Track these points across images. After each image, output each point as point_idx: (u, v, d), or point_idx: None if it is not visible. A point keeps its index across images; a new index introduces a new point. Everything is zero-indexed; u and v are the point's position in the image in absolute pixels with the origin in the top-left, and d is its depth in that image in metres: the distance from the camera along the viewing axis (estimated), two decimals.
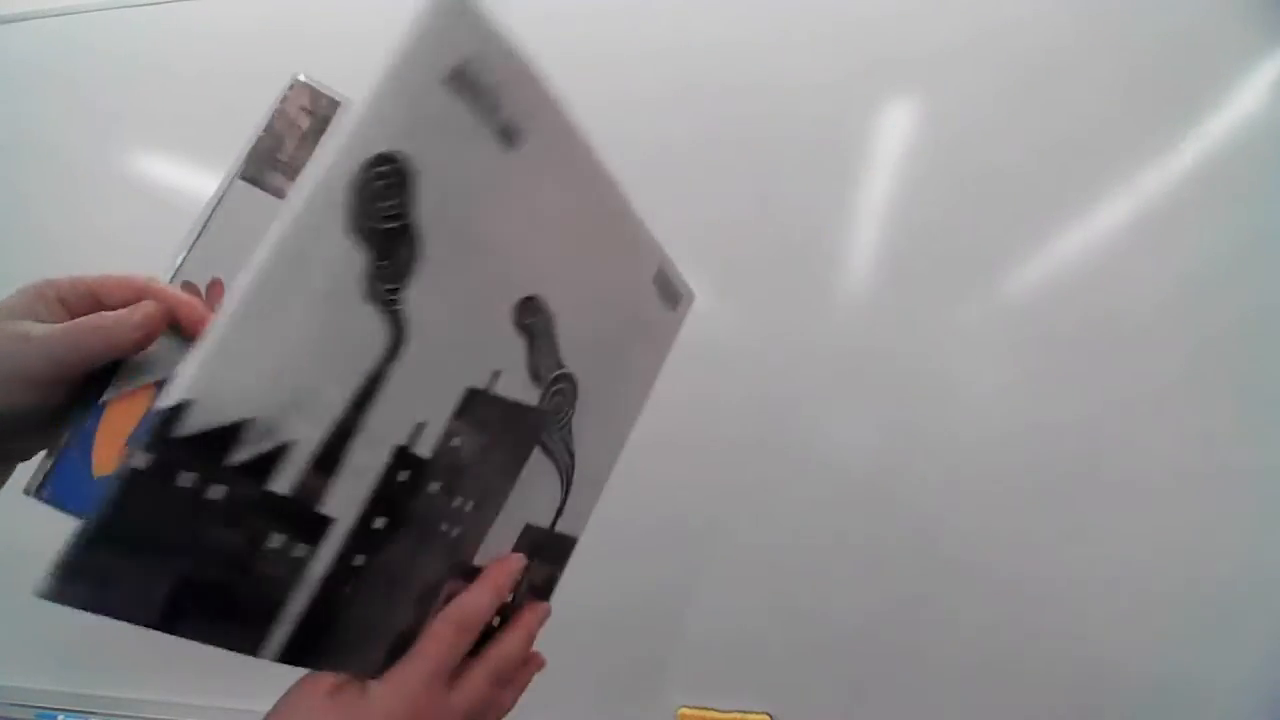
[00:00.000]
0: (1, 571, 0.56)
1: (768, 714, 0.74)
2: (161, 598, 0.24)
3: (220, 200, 0.36)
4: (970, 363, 0.76)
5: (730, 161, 0.83)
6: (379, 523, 0.30)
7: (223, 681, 0.86)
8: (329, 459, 0.27)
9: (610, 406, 0.43)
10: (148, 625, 0.24)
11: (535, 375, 0.36)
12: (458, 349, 0.31)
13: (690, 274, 0.44)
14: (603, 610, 0.74)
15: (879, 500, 0.75)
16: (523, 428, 0.36)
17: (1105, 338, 0.73)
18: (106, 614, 0.23)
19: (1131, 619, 0.69)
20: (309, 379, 0.26)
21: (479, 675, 0.35)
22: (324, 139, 0.36)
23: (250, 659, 0.28)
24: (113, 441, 0.32)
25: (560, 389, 0.38)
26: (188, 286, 0.35)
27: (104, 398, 0.32)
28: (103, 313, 0.32)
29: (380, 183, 0.25)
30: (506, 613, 0.39)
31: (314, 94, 0.37)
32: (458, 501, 0.34)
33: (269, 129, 0.36)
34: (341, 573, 0.29)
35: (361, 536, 0.29)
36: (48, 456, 0.31)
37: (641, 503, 0.63)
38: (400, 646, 0.33)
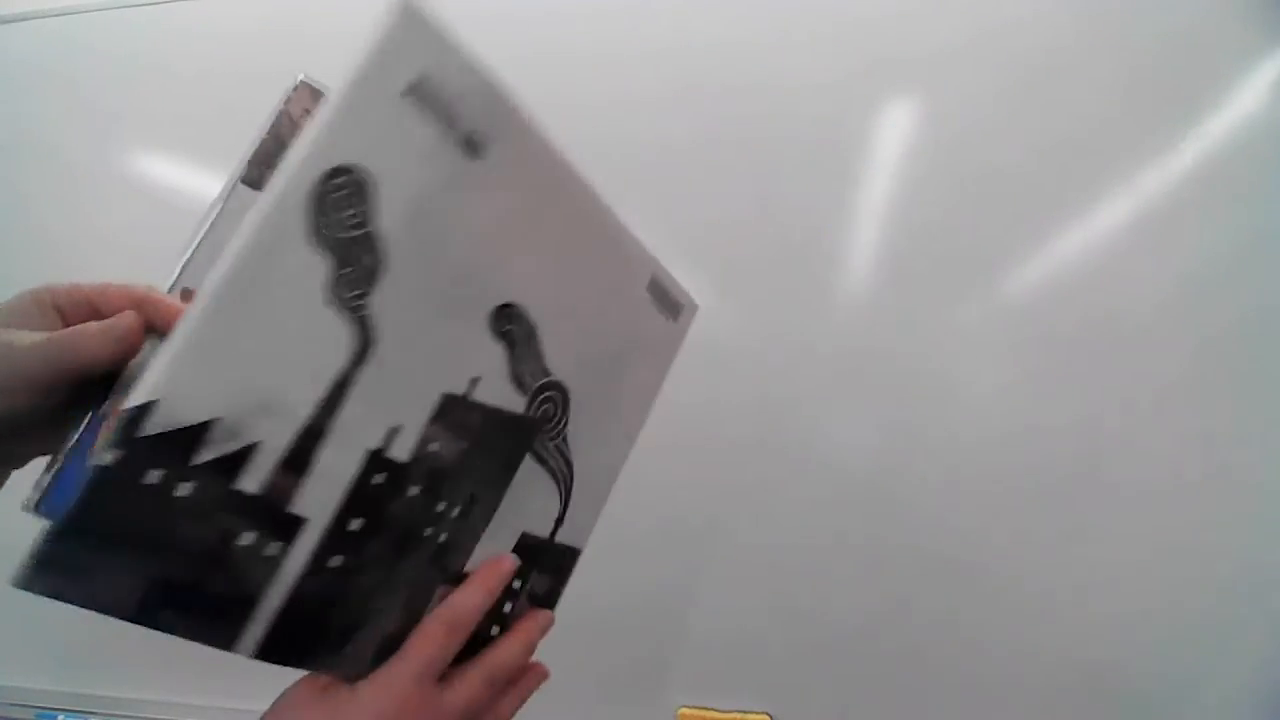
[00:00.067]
0: (1, 572, 0.56)
1: (768, 714, 0.74)
2: (135, 590, 0.25)
3: (222, 205, 0.35)
4: (970, 363, 0.76)
5: (730, 161, 0.83)
6: (355, 524, 0.30)
7: (223, 681, 0.86)
8: (298, 460, 0.28)
9: (610, 417, 0.42)
10: (122, 617, 0.25)
11: (519, 383, 0.36)
12: (430, 354, 0.31)
13: (690, 274, 0.44)
14: (603, 610, 0.74)
15: (879, 500, 0.75)
16: (509, 435, 0.37)
17: (1105, 338, 0.73)
18: (80, 605, 0.24)
19: (1131, 619, 0.69)
20: (275, 381, 0.26)
21: (473, 677, 0.35)
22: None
23: (250, 660, 0.29)
24: None
25: (549, 397, 0.38)
26: (189, 293, 0.35)
27: (102, 409, 0.31)
28: (86, 324, 0.31)
29: (339, 194, 0.26)
30: (507, 624, 0.39)
31: (316, 95, 0.36)
32: (441, 506, 0.34)
33: (271, 132, 0.35)
34: (319, 573, 0.29)
35: (338, 537, 0.30)
36: (46, 471, 0.31)
37: (641, 503, 0.63)
38: (391, 650, 0.33)
